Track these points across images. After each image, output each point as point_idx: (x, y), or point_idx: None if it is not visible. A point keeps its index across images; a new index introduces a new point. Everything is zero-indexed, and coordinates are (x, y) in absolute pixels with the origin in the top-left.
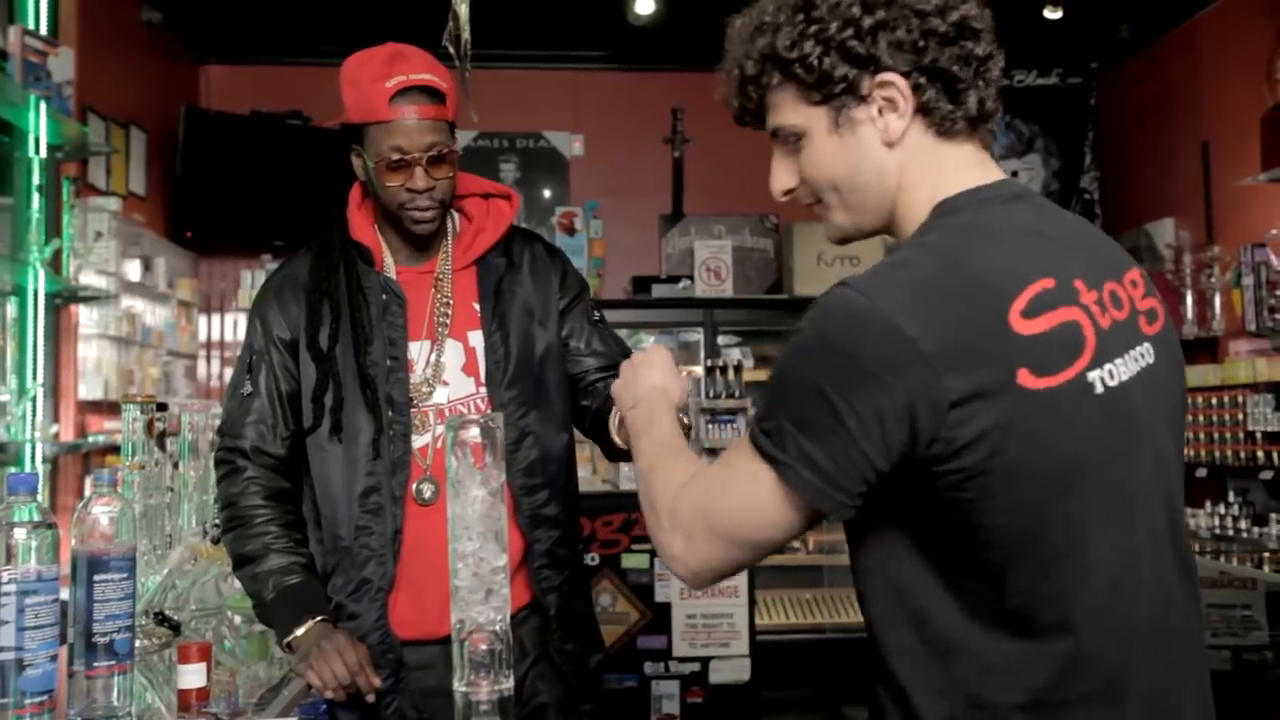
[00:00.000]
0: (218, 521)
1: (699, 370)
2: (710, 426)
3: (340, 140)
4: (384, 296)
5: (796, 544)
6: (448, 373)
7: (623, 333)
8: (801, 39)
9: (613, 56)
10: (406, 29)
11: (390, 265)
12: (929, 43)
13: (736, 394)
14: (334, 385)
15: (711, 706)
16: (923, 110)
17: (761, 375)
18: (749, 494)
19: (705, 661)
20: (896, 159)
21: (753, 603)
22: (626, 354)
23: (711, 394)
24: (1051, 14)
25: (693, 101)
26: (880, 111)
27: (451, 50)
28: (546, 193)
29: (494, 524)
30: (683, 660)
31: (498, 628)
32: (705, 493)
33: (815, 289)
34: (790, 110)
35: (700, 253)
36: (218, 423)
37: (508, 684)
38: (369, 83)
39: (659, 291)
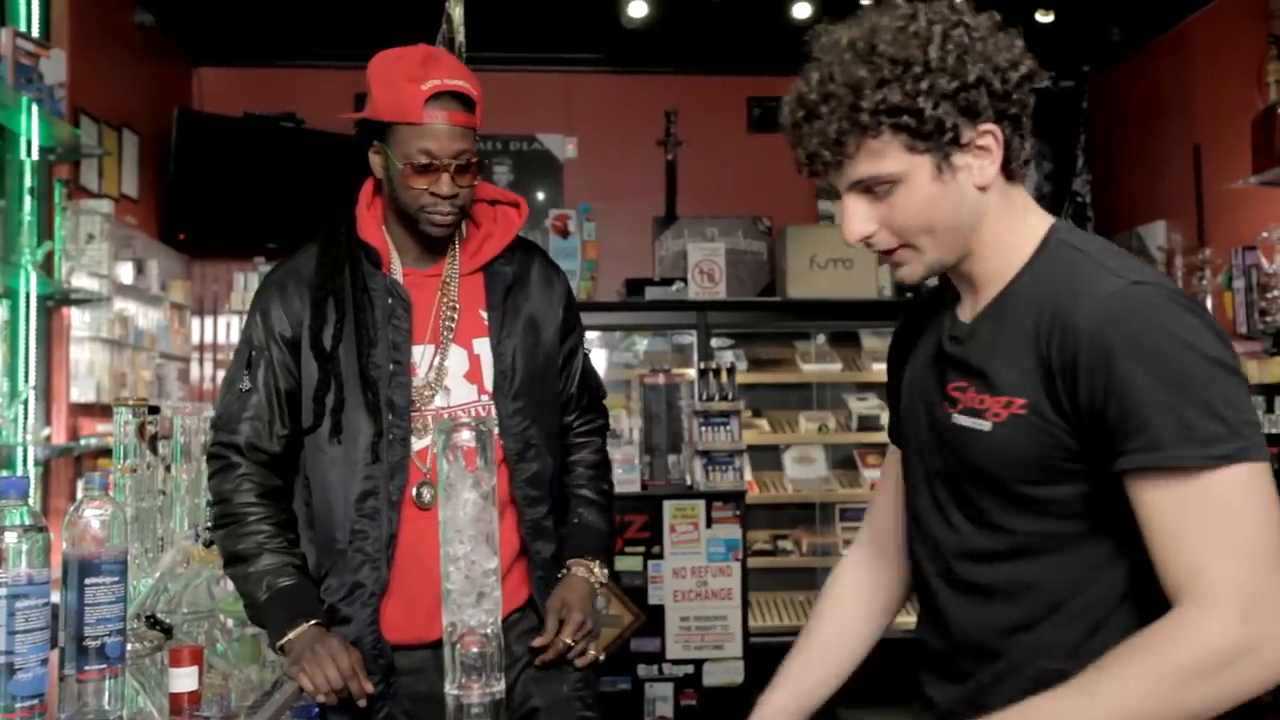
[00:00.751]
0: (209, 524)
1: (692, 373)
2: (703, 429)
3: (333, 144)
4: (389, 299)
5: (790, 546)
6: (449, 378)
7: (616, 335)
8: (916, 93)
9: (606, 59)
10: (399, 31)
11: (397, 267)
12: (1013, 92)
13: (730, 396)
14: (335, 386)
15: (705, 709)
16: (1006, 157)
17: (754, 378)
18: (1255, 505)
19: (699, 664)
20: (985, 200)
21: (746, 605)
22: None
23: (705, 396)
24: (1043, 17)
25: (686, 104)
26: (975, 157)
27: None
28: (540, 195)
29: (485, 527)
30: (676, 663)
31: (489, 630)
32: (1221, 564)
33: (808, 291)
34: (894, 159)
35: (693, 255)
36: (209, 423)
37: (499, 686)
38: (403, 82)
39: (652, 294)
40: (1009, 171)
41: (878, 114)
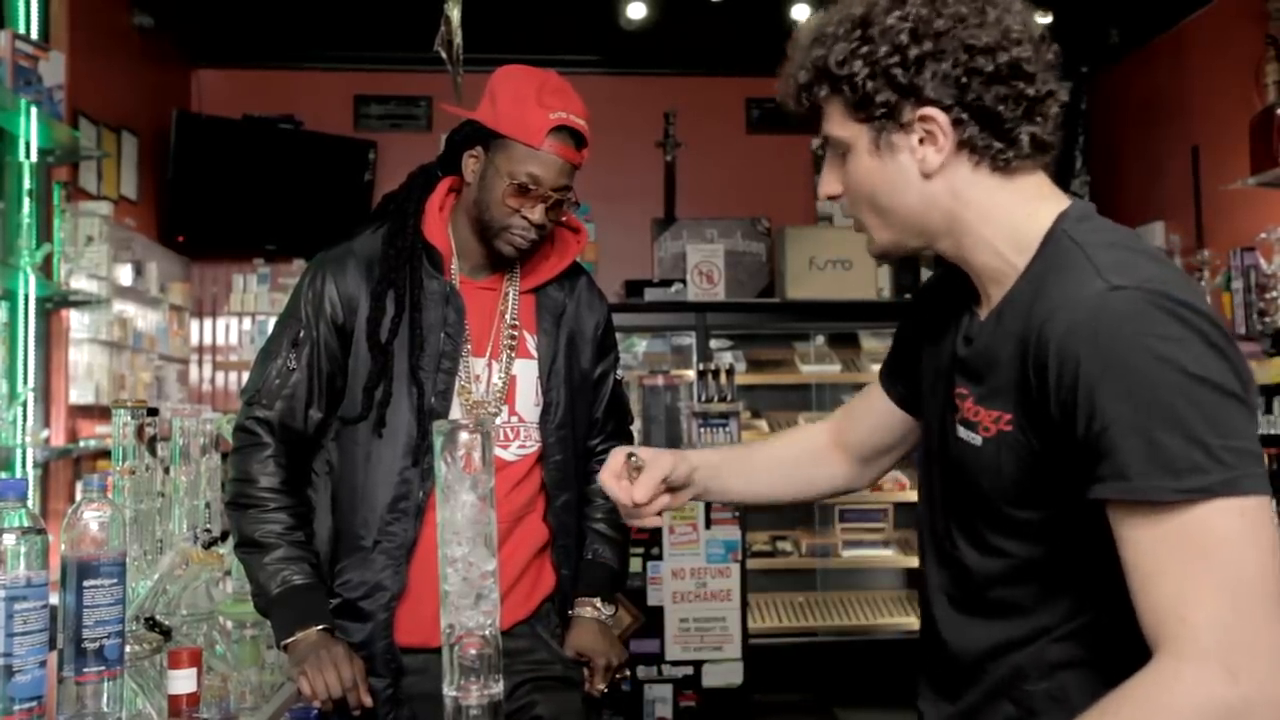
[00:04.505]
0: (225, 499)
1: (691, 374)
2: (702, 430)
3: (331, 146)
4: (445, 305)
5: (789, 547)
6: (482, 391)
7: (616, 336)
8: (852, 57)
9: (604, 60)
10: (399, 33)
11: (455, 273)
12: (973, 80)
13: (729, 398)
14: (385, 381)
15: (705, 710)
16: (968, 148)
17: (753, 379)
18: (1245, 546)
19: (698, 665)
20: (941, 190)
21: (745, 606)
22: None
23: (704, 398)
24: (1041, 18)
25: (685, 105)
26: (921, 142)
27: (443, 55)
28: None
29: (483, 528)
30: (676, 664)
31: (487, 633)
32: (1203, 611)
33: (807, 293)
34: (838, 123)
35: (692, 256)
36: (209, 426)
37: (497, 689)
38: (534, 105)
39: (651, 295)
40: (994, 165)
41: (815, 72)
